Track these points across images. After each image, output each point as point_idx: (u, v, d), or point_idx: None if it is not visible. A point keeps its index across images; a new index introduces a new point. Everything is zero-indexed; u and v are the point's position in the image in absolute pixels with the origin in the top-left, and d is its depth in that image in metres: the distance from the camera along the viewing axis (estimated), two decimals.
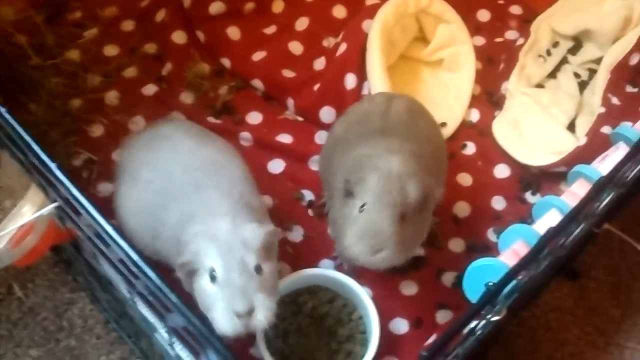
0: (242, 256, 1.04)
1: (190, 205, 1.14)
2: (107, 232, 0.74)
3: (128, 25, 1.72)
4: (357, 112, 1.35)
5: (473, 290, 1.08)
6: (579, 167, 1.25)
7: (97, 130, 1.56)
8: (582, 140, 1.48)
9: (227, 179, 1.20)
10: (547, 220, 1.16)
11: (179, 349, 0.97)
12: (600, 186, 0.96)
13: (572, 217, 0.92)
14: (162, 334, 1.02)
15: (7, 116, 0.77)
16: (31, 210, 0.94)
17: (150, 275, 0.74)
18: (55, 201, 0.89)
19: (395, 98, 1.33)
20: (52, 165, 0.75)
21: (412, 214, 1.15)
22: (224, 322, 1.01)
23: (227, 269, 1.03)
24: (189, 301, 0.91)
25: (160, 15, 1.72)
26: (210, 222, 1.09)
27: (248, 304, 1.01)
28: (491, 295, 0.84)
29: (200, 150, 1.24)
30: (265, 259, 1.08)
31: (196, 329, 0.73)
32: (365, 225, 1.11)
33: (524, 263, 0.87)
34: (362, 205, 1.13)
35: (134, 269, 0.76)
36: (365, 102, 1.39)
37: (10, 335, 1.36)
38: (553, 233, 0.90)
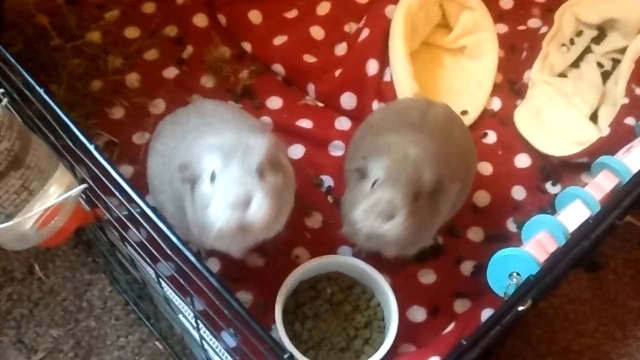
0: (244, 157, 1.03)
1: (200, 134, 1.14)
2: (143, 212, 0.74)
3: (149, 7, 1.72)
4: (399, 105, 1.37)
5: (496, 279, 1.07)
6: (603, 159, 1.24)
7: (118, 113, 1.56)
8: (605, 131, 1.47)
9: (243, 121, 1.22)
10: (572, 211, 1.15)
11: (203, 331, 0.97)
12: (634, 184, 0.95)
13: (605, 214, 0.92)
14: (187, 315, 1.02)
15: (46, 97, 0.77)
16: (58, 191, 0.94)
17: (186, 254, 0.73)
18: (84, 182, 0.89)
19: (436, 104, 1.34)
20: (91, 147, 0.75)
21: (425, 198, 1.14)
22: (218, 213, 0.99)
23: (227, 165, 1.02)
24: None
25: None
26: (216, 137, 1.08)
27: (244, 193, 0.99)
28: (527, 289, 0.84)
29: (221, 107, 1.27)
30: (269, 169, 1.05)
31: (234, 308, 0.72)
32: (377, 198, 1.11)
33: (558, 260, 0.87)
34: (374, 182, 1.13)
35: (167, 249, 0.76)
36: (407, 99, 1.41)
37: (31, 315, 1.37)
38: (588, 230, 0.89)
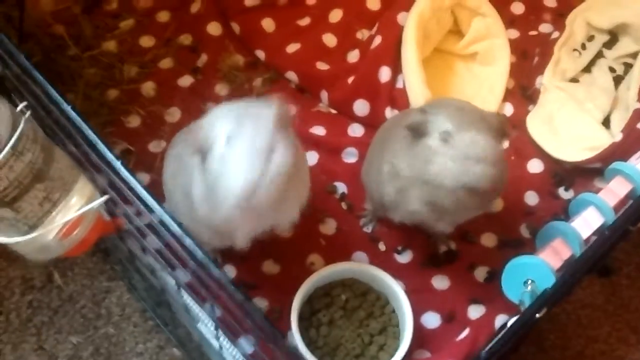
0: (257, 120, 0.97)
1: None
2: (162, 221, 0.76)
3: (163, 16, 1.74)
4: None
5: (511, 286, 1.09)
6: (617, 165, 1.25)
7: (134, 121, 1.58)
8: (618, 136, 1.47)
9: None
10: (585, 217, 1.16)
11: (223, 339, 0.99)
12: None
13: (621, 224, 0.93)
14: (206, 324, 1.04)
15: (72, 112, 0.79)
16: (80, 202, 0.96)
17: (203, 261, 0.75)
18: (105, 193, 0.91)
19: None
20: (118, 163, 0.77)
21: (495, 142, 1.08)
22: (242, 167, 0.94)
23: (241, 125, 0.97)
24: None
25: (196, 6, 1.74)
26: (226, 108, 1.04)
27: (269, 141, 0.94)
28: (543, 302, 0.85)
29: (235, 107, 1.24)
30: (282, 134, 0.99)
31: (252, 316, 0.73)
32: (467, 144, 1.03)
33: (575, 271, 0.88)
34: (442, 134, 1.05)
35: (187, 257, 0.77)
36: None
37: (51, 322, 1.39)
38: (603, 241, 0.91)
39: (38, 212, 0.94)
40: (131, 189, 0.76)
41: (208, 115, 1.05)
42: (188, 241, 0.75)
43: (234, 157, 0.96)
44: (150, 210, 0.77)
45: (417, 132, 1.10)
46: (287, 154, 0.96)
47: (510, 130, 1.14)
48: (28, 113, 0.94)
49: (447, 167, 1.05)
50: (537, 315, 0.93)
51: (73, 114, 0.79)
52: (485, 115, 1.10)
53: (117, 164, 0.76)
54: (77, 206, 0.96)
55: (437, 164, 1.06)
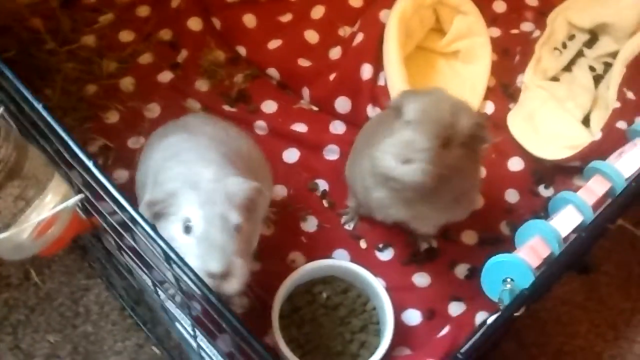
0: (223, 211, 0.97)
1: (176, 147, 1.10)
2: (138, 224, 0.75)
3: (143, 11, 1.72)
4: None
5: (490, 284, 1.09)
6: (595, 163, 1.26)
7: (113, 117, 1.56)
8: (597, 135, 1.49)
9: (227, 144, 1.17)
10: (564, 216, 1.16)
11: (200, 339, 0.98)
12: (628, 194, 0.97)
13: (599, 223, 0.93)
14: (184, 324, 1.03)
15: (44, 112, 0.77)
16: (54, 200, 0.94)
17: (175, 260, 0.74)
18: (80, 192, 0.89)
19: None
20: (90, 163, 0.75)
21: (459, 146, 1.09)
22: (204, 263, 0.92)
23: (207, 222, 0.95)
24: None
25: (176, 1, 1.72)
26: (192, 166, 1.02)
27: (225, 266, 0.93)
28: (523, 300, 0.85)
29: (207, 127, 1.23)
30: (246, 217, 1.00)
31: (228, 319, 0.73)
32: (403, 137, 1.06)
33: (552, 271, 0.89)
34: (407, 123, 1.08)
35: (159, 257, 0.76)
36: None
37: (28, 321, 1.37)
38: (582, 241, 0.91)
39: (11, 211, 0.92)
40: (104, 188, 0.75)
41: (175, 168, 1.03)
42: (160, 241, 0.74)
43: (189, 263, 0.88)
44: (123, 209, 0.76)
45: (396, 112, 1.11)
46: (243, 276, 0.96)
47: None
48: (1, 110, 0.92)
49: (383, 148, 1.08)
50: (516, 314, 0.94)
51: (45, 113, 0.77)
52: (456, 119, 1.10)
53: (90, 164, 0.75)
54: (52, 204, 0.94)
55: (385, 142, 1.08)
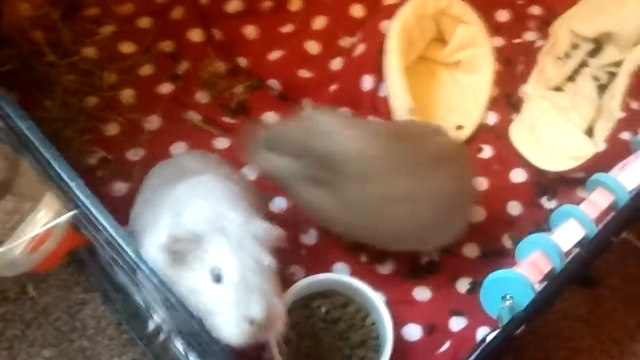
0: (255, 254, 0.93)
1: (199, 186, 1.05)
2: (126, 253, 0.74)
3: (144, 22, 1.71)
4: None
5: (489, 301, 1.07)
6: (598, 176, 1.24)
7: (112, 129, 1.56)
8: (601, 146, 1.47)
9: (237, 183, 1.15)
10: (566, 230, 1.15)
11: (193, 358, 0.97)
12: (631, 208, 0.95)
13: (600, 240, 0.92)
14: (177, 343, 1.02)
15: (29, 133, 0.76)
16: (48, 215, 0.94)
17: (158, 287, 0.73)
18: (72, 209, 0.89)
19: None
20: (73, 184, 0.75)
21: None
22: (235, 330, 0.88)
23: (242, 266, 0.90)
24: None
25: (177, 13, 1.71)
26: (217, 207, 0.98)
27: (268, 310, 0.88)
28: (521, 321, 0.83)
29: (220, 167, 1.22)
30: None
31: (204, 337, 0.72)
32: None
33: (553, 289, 0.87)
34: None
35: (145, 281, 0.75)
36: None
37: (24, 335, 1.36)
38: (582, 260, 0.89)
39: (4, 227, 0.92)
40: (89, 211, 0.74)
41: (197, 213, 0.97)
42: (144, 266, 0.72)
43: (227, 312, 0.89)
44: (107, 232, 0.75)
45: None
46: (283, 319, 0.94)
47: None
48: None
49: None
50: (516, 332, 0.92)
51: (32, 133, 0.76)
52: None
53: (73, 185, 0.74)
54: (45, 220, 0.94)
55: None
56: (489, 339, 0.97)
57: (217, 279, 0.91)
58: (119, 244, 0.74)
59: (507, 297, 1.01)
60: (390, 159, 1.21)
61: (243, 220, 0.97)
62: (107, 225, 0.73)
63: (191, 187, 1.07)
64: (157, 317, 0.99)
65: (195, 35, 1.69)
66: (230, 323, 0.89)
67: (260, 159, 1.24)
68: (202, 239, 0.92)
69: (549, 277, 1.04)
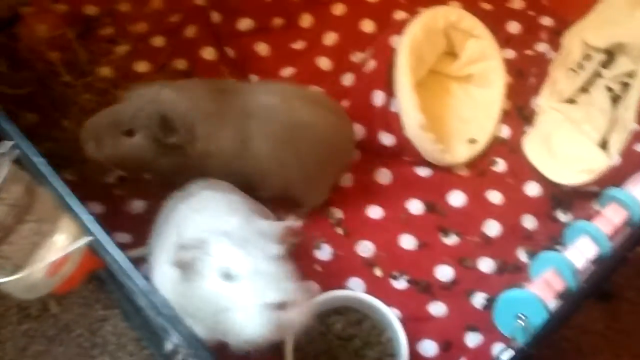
0: (262, 246, 0.92)
1: (202, 202, 1.08)
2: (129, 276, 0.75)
3: (158, 41, 1.74)
4: None
5: (504, 320, 1.07)
6: (612, 191, 1.24)
7: None
8: (615, 159, 1.46)
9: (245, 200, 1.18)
10: (579, 247, 1.15)
11: None
12: None
13: (615, 257, 0.92)
14: None
15: (50, 176, 0.78)
16: (66, 239, 0.96)
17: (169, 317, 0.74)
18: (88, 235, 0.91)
19: None
20: (84, 217, 0.76)
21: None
22: (257, 320, 0.86)
23: (250, 260, 0.90)
24: None
25: (190, 31, 1.74)
26: (219, 216, 0.99)
27: (285, 292, 0.87)
28: (539, 338, 0.84)
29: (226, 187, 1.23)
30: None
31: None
32: None
33: (567, 310, 0.87)
34: None
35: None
36: None
37: (47, 351, 1.39)
38: (597, 278, 0.89)
39: (24, 252, 0.94)
40: (99, 243, 0.75)
41: (200, 225, 0.99)
42: (154, 297, 0.73)
43: (243, 304, 0.87)
44: (117, 263, 0.76)
45: None
46: (303, 306, 0.90)
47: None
48: (15, 153, 0.94)
49: None
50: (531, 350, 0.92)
51: (44, 168, 0.78)
52: None
53: (85, 219, 0.75)
54: (63, 243, 0.95)
55: None
56: (503, 357, 0.97)
57: (228, 276, 0.90)
58: (128, 275, 0.75)
59: (521, 316, 1.01)
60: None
61: (244, 222, 0.98)
62: (117, 258, 0.75)
63: (191, 205, 1.11)
64: (175, 338, 1.01)
65: (208, 53, 1.71)
66: (251, 314, 0.87)
67: (108, 147, 1.24)
68: (207, 244, 0.93)
69: (564, 295, 1.04)
